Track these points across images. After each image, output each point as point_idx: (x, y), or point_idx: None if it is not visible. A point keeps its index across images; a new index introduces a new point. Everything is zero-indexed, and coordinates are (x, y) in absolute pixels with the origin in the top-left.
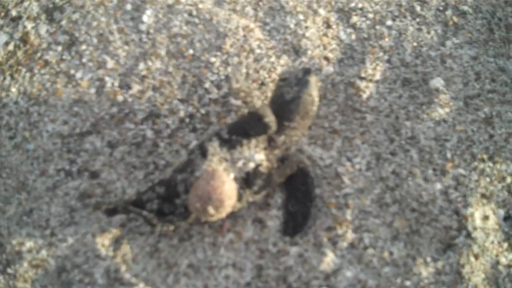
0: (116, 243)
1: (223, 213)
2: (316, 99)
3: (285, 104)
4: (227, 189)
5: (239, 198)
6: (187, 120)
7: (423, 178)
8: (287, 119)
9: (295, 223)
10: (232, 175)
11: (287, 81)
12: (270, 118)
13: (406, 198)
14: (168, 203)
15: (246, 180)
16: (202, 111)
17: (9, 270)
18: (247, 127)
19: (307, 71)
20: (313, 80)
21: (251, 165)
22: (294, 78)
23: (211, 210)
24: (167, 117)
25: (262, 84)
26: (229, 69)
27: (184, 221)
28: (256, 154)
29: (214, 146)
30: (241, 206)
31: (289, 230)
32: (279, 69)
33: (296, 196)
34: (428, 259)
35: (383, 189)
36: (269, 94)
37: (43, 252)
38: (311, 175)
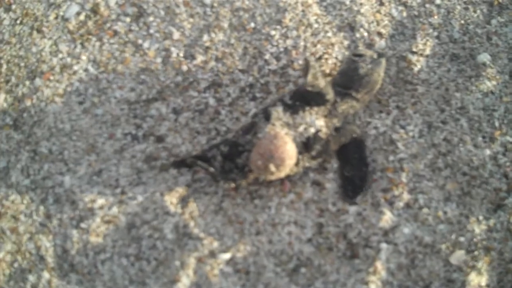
0: (183, 201)
1: (283, 173)
2: (381, 80)
3: (357, 77)
4: (289, 149)
5: (297, 162)
6: (247, 89)
7: (473, 144)
8: (355, 91)
9: (353, 186)
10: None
11: (362, 58)
12: (331, 96)
13: (457, 163)
14: (230, 162)
15: (305, 145)
16: (262, 81)
17: (82, 225)
18: (309, 97)
19: (381, 55)
20: (384, 63)
21: (312, 130)
22: (370, 57)
23: (272, 167)
24: (229, 86)
25: (320, 58)
26: (288, 42)
27: (244, 180)
28: (316, 120)
29: (277, 111)
30: (297, 170)
31: (349, 193)
32: (336, 44)
33: (350, 162)
34: (480, 217)
35: (436, 155)
36: (326, 68)
37: (114, 209)
38: (364, 143)
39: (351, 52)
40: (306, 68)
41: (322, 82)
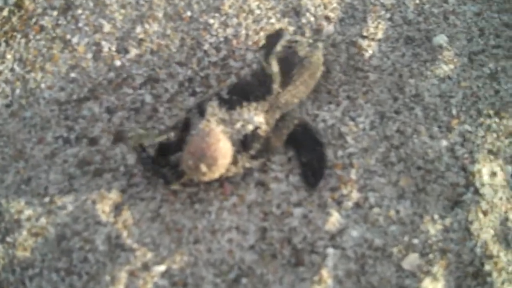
0: (117, 209)
1: (216, 173)
2: (321, 64)
3: (297, 59)
4: (222, 147)
5: (235, 161)
6: (186, 83)
7: (429, 135)
8: (296, 75)
9: (313, 170)
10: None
11: (299, 42)
12: (277, 86)
13: (411, 156)
14: (162, 160)
15: (243, 143)
16: (202, 74)
17: (8, 239)
18: (249, 91)
19: (316, 40)
20: (321, 46)
21: (250, 127)
22: (306, 41)
23: (203, 167)
24: (166, 81)
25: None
26: (228, 30)
27: (177, 181)
28: (255, 117)
29: (213, 106)
30: (236, 170)
31: (310, 179)
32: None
33: (304, 147)
34: (436, 216)
35: (388, 148)
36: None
37: (42, 220)
38: (309, 124)
39: (286, 40)
40: (269, 44)
41: (275, 67)
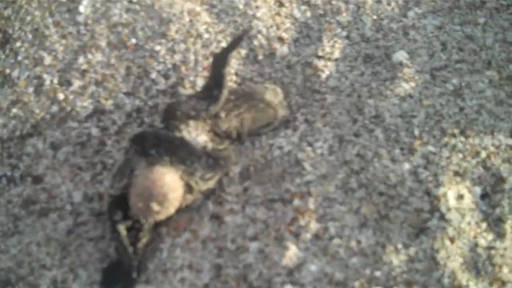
0: (63, 251)
1: (171, 209)
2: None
3: (248, 92)
4: (169, 181)
5: (189, 189)
6: (135, 114)
7: (390, 158)
8: (241, 105)
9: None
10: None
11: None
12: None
13: (372, 182)
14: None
15: (191, 167)
16: (150, 103)
17: None
18: (185, 110)
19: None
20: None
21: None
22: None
23: (155, 206)
24: (113, 112)
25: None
26: (176, 57)
27: (144, 234)
28: (198, 137)
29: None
30: (194, 197)
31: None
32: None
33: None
34: (399, 246)
35: (348, 174)
36: None
37: None
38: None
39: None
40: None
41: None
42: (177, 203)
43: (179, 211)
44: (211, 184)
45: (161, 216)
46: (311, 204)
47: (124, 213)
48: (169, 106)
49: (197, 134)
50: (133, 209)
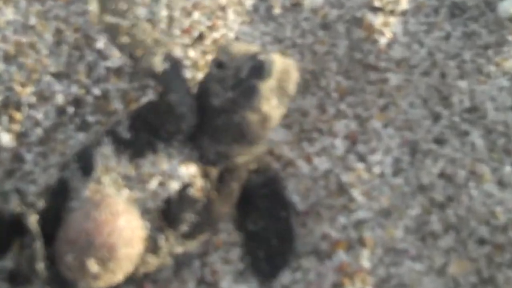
0: None
1: (119, 273)
2: (273, 112)
3: (216, 122)
4: (123, 227)
5: (154, 247)
6: (71, 109)
7: (497, 181)
8: (222, 144)
9: (269, 252)
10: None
11: (222, 74)
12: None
13: (467, 221)
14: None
15: (165, 214)
16: (96, 91)
17: None
18: (157, 118)
19: (259, 63)
20: (266, 85)
21: (174, 185)
22: (233, 75)
23: (93, 266)
24: (35, 107)
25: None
26: (139, 11)
27: None
28: (182, 167)
29: (105, 154)
30: (159, 261)
31: (263, 266)
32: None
33: (258, 207)
34: None
35: (426, 207)
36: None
37: None
38: (279, 174)
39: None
40: None
41: None
42: (130, 265)
43: (135, 278)
44: (190, 246)
45: (101, 284)
46: (365, 260)
47: None
48: (142, 107)
49: (181, 161)
50: (59, 263)
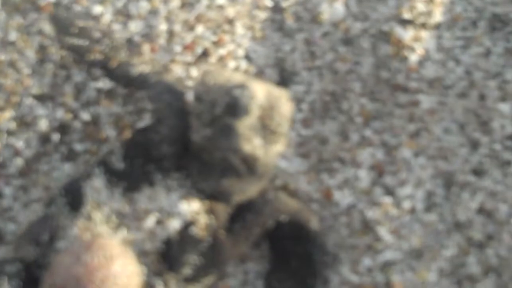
0: None
1: None
2: (259, 152)
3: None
4: (118, 273)
5: None
6: (55, 137)
7: None
8: (210, 179)
9: None
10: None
11: (199, 108)
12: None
13: (509, 262)
14: None
15: (165, 256)
16: (85, 116)
17: None
18: (159, 146)
19: (233, 100)
20: (244, 123)
21: (174, 224)
22: (208, 111)
23: None
24: (15, 134)
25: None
26: (133, 25)
27: None
28: (183, 203)
29: (95, 188)
30: None
31: None
32: None
33: (285, 262)
34: None
35: (463, 248)
36: None
37: None
38: (313, 228)
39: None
40: None
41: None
42: None
43: None
44: None
45: None
46: None
47: None
48: (138, 132)
49: (182, 196)
50: None
